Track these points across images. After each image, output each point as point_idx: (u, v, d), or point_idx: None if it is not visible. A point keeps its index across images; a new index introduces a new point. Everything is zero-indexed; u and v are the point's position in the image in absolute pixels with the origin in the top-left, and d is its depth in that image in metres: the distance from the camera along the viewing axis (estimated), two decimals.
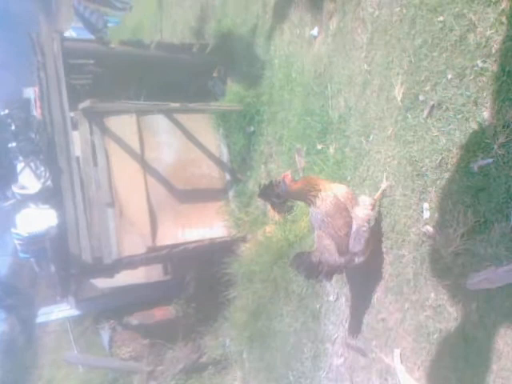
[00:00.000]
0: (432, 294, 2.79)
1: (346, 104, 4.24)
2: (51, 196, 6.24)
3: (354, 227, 3.19)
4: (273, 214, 5.72)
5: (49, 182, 6.31)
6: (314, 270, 3.34)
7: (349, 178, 4.07)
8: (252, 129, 6.72)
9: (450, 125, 2.81)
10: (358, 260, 3.26)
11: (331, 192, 3.27)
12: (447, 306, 2.67)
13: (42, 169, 6.45)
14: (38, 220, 7.54)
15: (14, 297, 12.72)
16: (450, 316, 2.65)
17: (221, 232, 6.89)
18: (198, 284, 7.17)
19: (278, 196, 5.49)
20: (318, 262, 3.29)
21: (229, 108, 6.79)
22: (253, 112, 6.61)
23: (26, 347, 13.03)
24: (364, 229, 3.18)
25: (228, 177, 7.16)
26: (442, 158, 2.83)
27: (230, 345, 6.41)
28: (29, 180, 6.52)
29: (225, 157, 7.16)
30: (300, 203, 4.98)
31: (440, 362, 2.70)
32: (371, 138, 3.72)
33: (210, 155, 7.09)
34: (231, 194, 7.09)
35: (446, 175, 2.79)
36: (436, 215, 2.83)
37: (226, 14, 7.40)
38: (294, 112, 5.48)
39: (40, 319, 9.06)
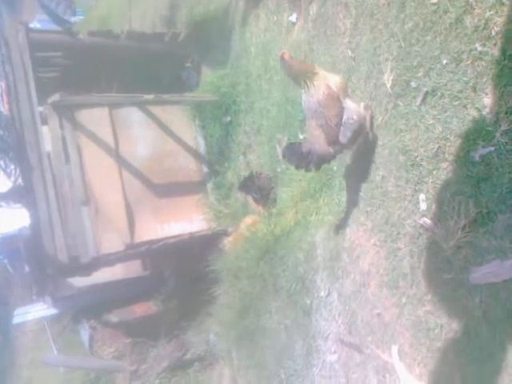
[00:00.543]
0: (431, 288, 2.69)
1: None
2: (23, 195, 6.00)
3: (344, 117, 3.22)
4: (255, 206, 5.60)
5: (19, 180, 6.07)
6: (304, 159, 3.36)
7: (335, 169, 3.94)
8: (229, 119, 6.57)
9: (446, 112, 2.69)
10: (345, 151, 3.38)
11: (325, 80, 3.26)
12: (448, 301, 2.57)
13: (12, 167, 6.20)
14: (9, 220, 7.31)
15: None
16: (451, 311, 2.55)
17: (200, 225, 6.76)
18: (178, 279, 7.01)
19: (259, 189, 5.41)
20: (307, 152, 3.32)
21: (204, 98, 6.62)
22: (229, 102, 6.44)
23: (3, 347, 12.73)
24: (351, 121, 3.19)
25: (206, 169, 7.01)
26: (439, 146, 2.71)
27: (214, 340, 6.29)
28: None
29: (202, 148, 7.00)
30: (282, 193, 4.87)
31: (442, 359, 2.61)
32: None
33: (187, 147, 6.92)
34: (210, 186, 6.94)
35: (444, 165, 2.68)
36: (434, 207, 2.72)
37: (199, 0, 7.17)
38: (273, 101, 5.34)
39: (16, 320, 8.86)
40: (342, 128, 3.20)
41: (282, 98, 5.04)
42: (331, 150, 3.27)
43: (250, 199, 5.76)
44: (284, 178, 5.01)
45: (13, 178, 6.19)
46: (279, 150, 5.21)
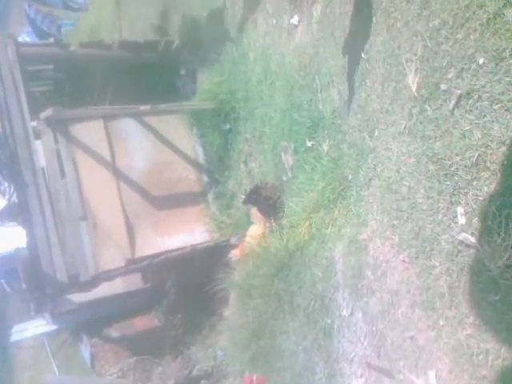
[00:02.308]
0: (474, 310, 2.50)
1: (341, 97, 3.92)
2: (18, 213, 5.80)
3: None
4: (259, 218, 5.41)
5: (14, 198, 5.87)
6: None
7: (350, 178, 3.76)
8: (228, 126, 6.40)
9: (485, 117, 2.48)
10: None
11: None
12: (495, 324, 2.38)
13: (6, 184, 6.00)
14: (5, 239, 7.10)
15: None
16: (500, 336, 2.36)
17: (203, 237, 6.60)
18: (179, 291, 6.84)
19: (265, 199, 5.23)
20: None
21: (202, 106, 6.44)
22: (228, 109, 6.27)
23: (1, 365, 12.50)
24: None
25: (206, 178, 6.84)
26: (479, 154, 2.50)
27: (221, 356, 6.11)
28: None
29: (201, 158, 6.83)
30: (291, 203, 4.69)
31: None
32: (376, 133, 3.39)
33: (185, 157, 6.75)
34: (211, 196, 6.77)
35: (485, 174, 2.47)
36: (475, 221, 2.51)
37: (191, 6, 6.99)
38: (276, 107, 5.16)
39: (15, 337, 8.68)
40: None
41: (286, 104, 4.86)
42: None
43: (252, 211, 5.58)
44: (291, 187, 4.83)
45: (7, 196, 6.00)
46: (284, 159, 5.04)
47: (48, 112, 5.78)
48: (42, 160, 5.85)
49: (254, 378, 2.97)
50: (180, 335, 6.98)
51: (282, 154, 5.05)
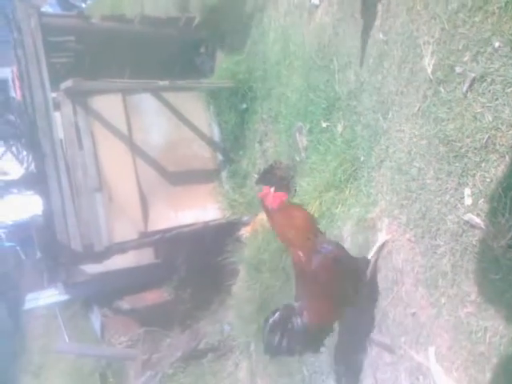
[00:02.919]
0: (475, 289, 2.55)
1: (357, 78, 3.94)
2: (35, 182, 5.92)
3: None
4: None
5: (32, 167, 5.96)
6: None
7: (362, 159, 3.80)
8: (244, 106, 6.43)
9: (497, 100, 2.50)
10: None
11: None
12: (495, 303, 2.43)
13: (25, 153, 6.11)
14: (21, 207, 7.24)
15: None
16: (499, 314, 2.41)
17: (215, 214, 6.66)
18: (190, 267, 6.92)
19: (280, 179, 5.27)
20: None
21: (221, 85, 6.47)
22: (245, 88, 6.30)
23: (14, 332, 12.75)
24: None
25: (220, 157, 6.89)
26: (489, 137, 2.52)
27: (228, 330, 6.21)
28: (11, 165, 6.19)
29: (216, 136, 6.88)
30: (303, 183, 4.72)
31: (486, 364, 2.47)
32: (390, 115, 3.42)
33: (201, 135, 6.80)
34: (224, 174, 6.83)
35: (494, 157, 2.49)
36: (481, 202, 2.55)
37: None
38: (293, 88, 5.18)
39: (28, 305, 8.85)
40: None
41: (303, 85, 4.88)
42: None
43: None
44: (304, 168, 4.87)
45: (25, 165, 6.11)
46: (299, 139, 5.08)
47: (68, 83, 5.85)
48: (60, 131, 5.94)
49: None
50: (189, 310, 7.08)
51: (297, 134, 5.09)
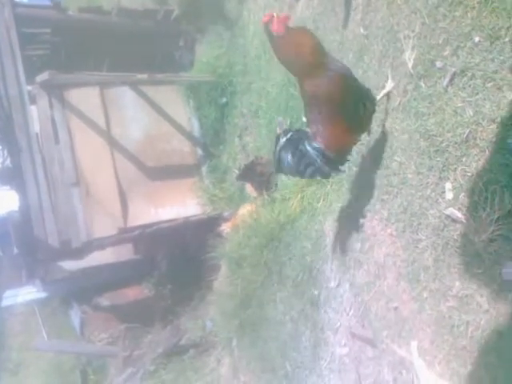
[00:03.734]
0: (457, 283, 2.53)
1: None
2: (11, 177, 5.80)
3: None
4: (252, 192, 5.43)
5: (8, 162, 5.86)
6: None
7: None
8: (224, 100, 6.39)
9: (477, 94, 2.50)
10: None
11: None
12: (476, 297, 2.42)
13: (0, 148, 5.97)
14: None
15: None
16: (480, 308, 2.40)
17: (195, 209, 6.61)
18: (170, 262, 6.87)
19: (260, 174, 5.24)
20: None
21: (201, 79, 6.41)
22: (225, 83, 6.25)
23: None
24: None
25: (200, 151, 6.84)
26: (470, 131, 2.51)
27: (210, 326, 6.17)
28: None
29: (196, 130, 6.83)
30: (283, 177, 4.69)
31: (467, 358, 2.46)
32: None
33: (181, 129, 6.74)
34: (204, 169, 6.79)
35: (475, 151, 2.49)
36: (462, 196, 2.54)
37: None
38: (274, 82, 5.15)
39: (5, 302, 8.72)
40: None
41: (284, 79, 4.85)
42: None
43: (247, 186, 5.59)
44: None
45: (1, 160, 5.98)
46: (279, 133, 5.04)
47: (44, 76, 5.74)
48: (36, 125, 5.83)
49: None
50: (170, 306, 7.02)
51: (278, 128, 5.05)
